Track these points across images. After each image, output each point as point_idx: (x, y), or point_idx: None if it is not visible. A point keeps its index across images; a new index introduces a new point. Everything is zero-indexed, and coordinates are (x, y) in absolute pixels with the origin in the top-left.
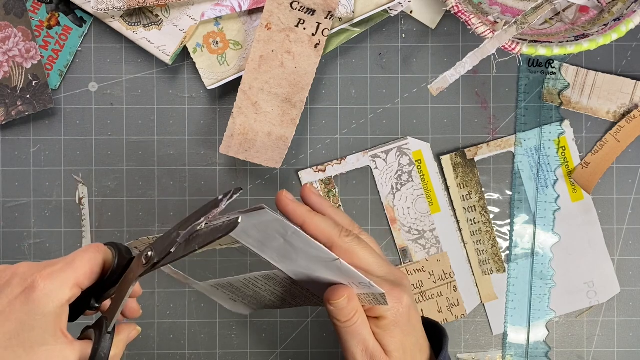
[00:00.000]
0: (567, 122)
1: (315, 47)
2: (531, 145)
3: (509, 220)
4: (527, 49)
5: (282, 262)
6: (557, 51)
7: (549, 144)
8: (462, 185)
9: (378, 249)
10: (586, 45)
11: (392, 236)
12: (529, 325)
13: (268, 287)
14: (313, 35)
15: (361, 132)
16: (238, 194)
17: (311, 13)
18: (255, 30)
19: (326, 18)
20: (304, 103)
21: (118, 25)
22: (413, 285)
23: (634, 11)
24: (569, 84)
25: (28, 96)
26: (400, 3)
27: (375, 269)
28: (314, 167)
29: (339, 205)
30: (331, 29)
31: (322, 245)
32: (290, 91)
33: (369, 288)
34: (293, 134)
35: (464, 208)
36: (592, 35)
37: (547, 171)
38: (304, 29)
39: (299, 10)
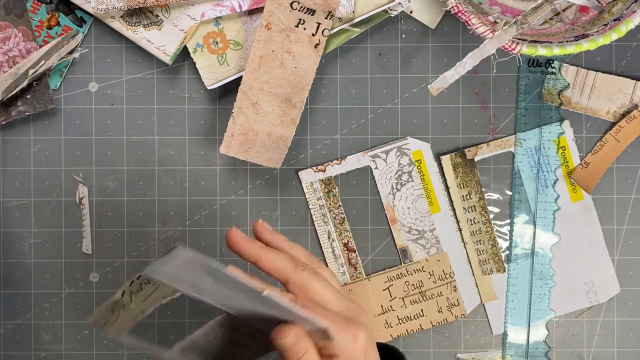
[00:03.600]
0: (567, 122)
1: (315, 47)
2: (531, 145)
3: (509, 220)
4: (527, 49)
5: (222, 303)
6: (557, 51)
7: (549, 144)
8: (462, 185)
9: (337, 282)
10: (586, 45)
11: (392, 236)
12: (529, 325)
13: (227, 337)
14: (313, 35)
15: (361, 132)
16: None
17: (311, 13)
18: (255, 30)
19: (326, 18)
20: (304, 103)
21: (118, 25)
22: (413, 285)
23: (634, 11)
24: (568, 84)
25: (28, 96)
26: (400, 3)
27: (333, 304)
28: (314, 167)
29: (339, 206)
30: (331, 29)
31: (245, 278)
32: (290, 91)
33: (311, 324)
34: (293, 134)
35: (464, 208)
36: (592, 35)
37: (547, 171)
38: (304, 29)
39: (299, 10)
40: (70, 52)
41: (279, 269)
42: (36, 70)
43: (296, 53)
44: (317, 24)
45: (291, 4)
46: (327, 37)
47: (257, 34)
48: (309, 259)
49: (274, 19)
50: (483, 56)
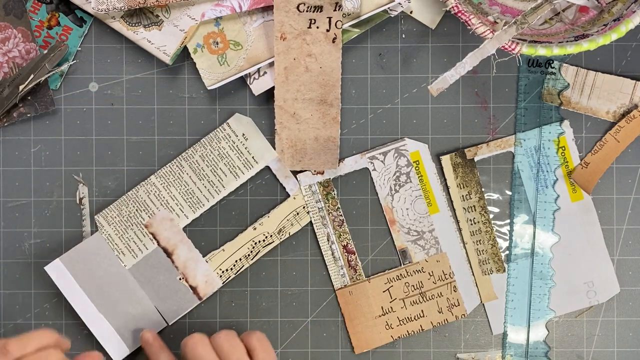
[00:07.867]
0: (566, 122)
1: (333, 41)
2: (531, 145)
3: (508, 220)
4: (527, 49)
5: None
6: (556, 51)
7: (549, 144)
8: (461, 185)
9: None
10: (586, 46)
11: (392, 237)
12: (529, 325)
13: None
14: (327, 31)
15: (361, 132)
16: None
17: (319, 10)
18: (273, 43)
19: (335, 10)
20: (339, 100)
21: (118, 25)
22: (413, 286)
23: (634, 11)
24: (568, 84)
25: (29, 98)
26: (400, 3)
27: None
28: (313, 170)
29: (338, 208)
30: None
31: None
32: (322, 92)
33: None
34: (339, 132)
35: (464, 208)
36: (592, 35)
37: (547, 171)
38: (317, 27)
39: (307, 10)
40: (59, 65)
41: None
42: (26, 85)
43: (317, 53)
44: (328, 19)
45: (298, 7)
46: (341, 29)
47: (275, 47)
48: None
49: (286, 27)
50: (483, 56)
